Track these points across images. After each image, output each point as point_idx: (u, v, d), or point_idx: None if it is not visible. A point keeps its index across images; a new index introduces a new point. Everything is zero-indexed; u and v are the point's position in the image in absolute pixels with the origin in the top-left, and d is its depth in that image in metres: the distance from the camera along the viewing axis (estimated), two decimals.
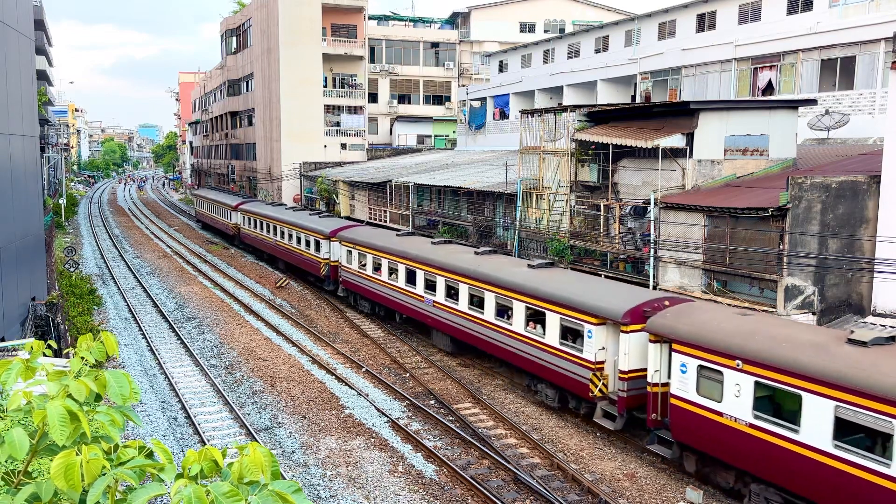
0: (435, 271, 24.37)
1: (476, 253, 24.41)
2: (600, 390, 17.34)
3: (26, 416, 2.94)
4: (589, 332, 17.56)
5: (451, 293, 23.62)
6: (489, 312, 21.49)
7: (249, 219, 44.81)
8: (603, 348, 17.35)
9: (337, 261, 32.38)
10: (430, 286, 24.72)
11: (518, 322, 20.10)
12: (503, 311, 20.98)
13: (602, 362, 17.39)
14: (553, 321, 18.73)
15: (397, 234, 29.49)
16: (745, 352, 13.63)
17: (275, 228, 39.58)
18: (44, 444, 2.91)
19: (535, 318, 19.65)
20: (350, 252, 30.49)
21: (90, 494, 2.58)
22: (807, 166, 22.94)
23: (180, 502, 2.52)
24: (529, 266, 21.59)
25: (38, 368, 2.96)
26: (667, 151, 23.01)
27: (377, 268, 28.44)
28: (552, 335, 18.74)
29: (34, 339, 3.15)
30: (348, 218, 44.04)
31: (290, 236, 37.32)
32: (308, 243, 34.89)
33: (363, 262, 29.46)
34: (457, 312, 23.12)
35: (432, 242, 26.92)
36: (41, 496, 2.71)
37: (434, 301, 24.46)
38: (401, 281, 26.48)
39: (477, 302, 22.16)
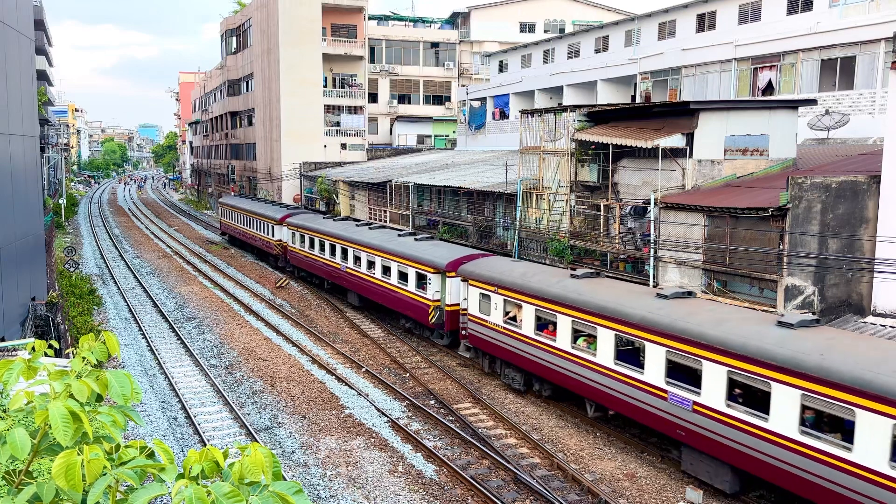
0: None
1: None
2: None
3: (28, 415, 2.94)
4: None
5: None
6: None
7: (302, 236, 36.31)
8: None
9: (456, 304, 24.17)
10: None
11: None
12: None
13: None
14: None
15: (572, 275, 19.93)
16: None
17: (344, 252, 31.37)
18: (45, 444, 2.91)
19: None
20: (487, 297, 21.77)
21: (91, 494, 2.58)
22: (807, 166, 22.93)
23: (181, 503, 2.52)
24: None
25: (40, 368, 2.97)
26: (667, 151, 23.01)
27: (544, 325, 19.60)
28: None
29: (36, 339, 3.15)
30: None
31: (372, 265, 28.98)
32: (405, 277, 26.37)
33: (512, 312, 20.83)
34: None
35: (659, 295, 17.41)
36: (42, 497, 2.72)
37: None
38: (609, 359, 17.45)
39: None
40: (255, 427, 18.77)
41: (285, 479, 2.82)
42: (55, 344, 3.38)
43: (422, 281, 25.42)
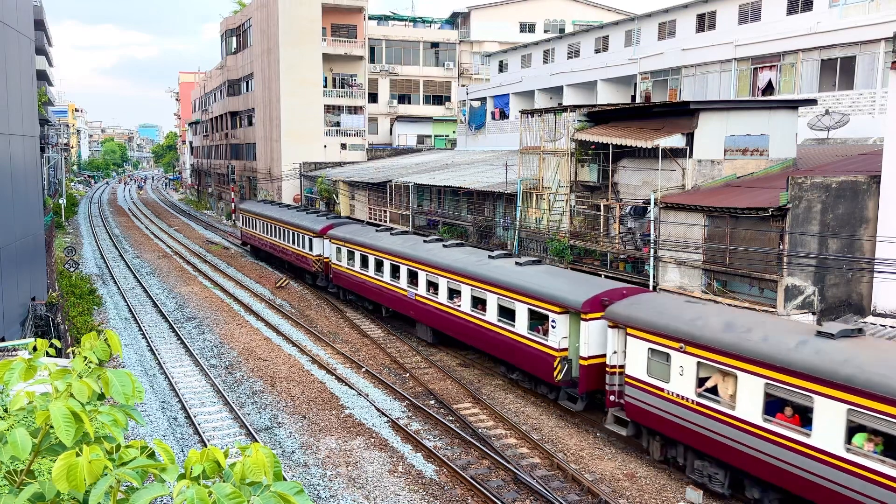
0: None
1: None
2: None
3: (29, 415, 2.94)
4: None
5: None
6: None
7: (351, 253, 30.85)
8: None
9: (598, 357, 18.09)
10: None
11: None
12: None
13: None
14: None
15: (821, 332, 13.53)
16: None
17: (412, 274, 26.00)
18: (46, 444, 2.91)
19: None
20: (663, 355, 15.58)
21: (92, 495, 2.58)
22: (807, 166, 22.93)
23: (183, 503, 2.52)
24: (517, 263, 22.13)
25: (41, 368, 2.97)
26: (667, 151, 23.01)
27: (776, 405, 13.62)
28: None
29: (38, 339, 3.15)
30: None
31: (456, 294, 23.47)
32: (509, 314, 20.62)
33: (713, 381, 14.77)
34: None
35: None
36: (45, 495, 2.72)
37: None
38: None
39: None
40: (255, 427, 18.77)
41: (286, 480, 2.82)
42: (58, 343, 3.38)
43: (539, 322, 19.67)
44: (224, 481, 2.71)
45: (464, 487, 15.57)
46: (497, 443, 17.73)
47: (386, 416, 19.43)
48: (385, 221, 41.32)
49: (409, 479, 15.97)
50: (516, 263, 22.06)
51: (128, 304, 32.60)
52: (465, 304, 22.82)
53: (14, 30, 22.08)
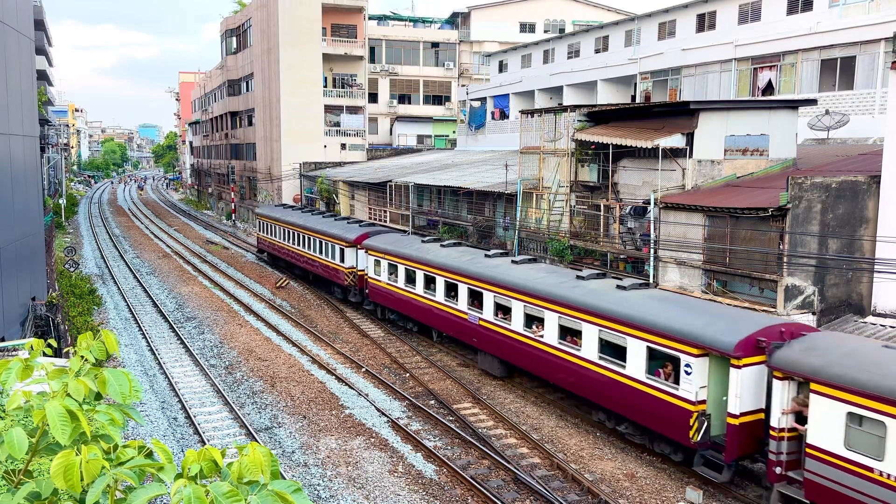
0: None
1: None
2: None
3: (26, 414, 2.94)
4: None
5: None
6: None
7: (393, 267, 27.33)
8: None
9: (757, 411, 14.36)
10: None
11: None
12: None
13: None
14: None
15: None
16: None
17: (474, 295, 22.59)
18: (44, 443, 2.91)
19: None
20: (882, 426, 11.76)
21: (89, 494, 2.58)
22: (807, 166, 22.93)
23: (180, 502, 2.52)
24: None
25: (38, 367, 2.96)
26: (667, 151, 23.00)
27: None
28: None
29: (34, 339, 3.15)
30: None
31: (537, 321, 19.79)
32: (613, 349, 17.12)
33: None
34: None
35: None
36: (41, 493, 2.71)
37: None
38: None
39: None
40: (255, 427, 18.77)
41: (284, 479, 2.81)
42: (54, 343, 3.38)
43: (660, 364, 15.97)
44: (221, 480, 2.70)
45: (464, 487, 15.57)
46: (497, 443, 17.72)
47: (386, 416, 19.43)
48: (385, 221, 41.31)
49: (409, 479, 15.97)
50: (618, 287, 18.28)
51: (128, 304, 32.60)
52: (549, 333, 19.14)
53: (14, 30, 22.08)
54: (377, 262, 28.50)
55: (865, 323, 18.30)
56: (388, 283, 27.77)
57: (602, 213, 25.57)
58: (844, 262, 19.51)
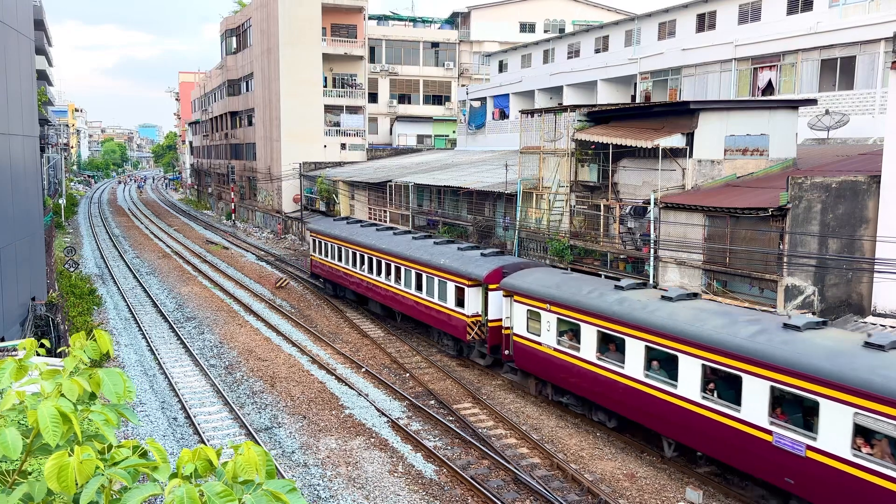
0: None
1: None
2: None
3: (20, 415, 2.92)
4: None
5: None
6: None
7: (574, 331, 18.46)
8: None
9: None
10: None
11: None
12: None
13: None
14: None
15: None
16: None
17: (729, 382, 14.56)
18: (38, 443, 2.90)
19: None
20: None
21: (83, 495, 2.57)
22: (807, 166, 22.91)
23: (173, 502, 2.50)
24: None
25: (31, 368, 2.95)
26: (667, 151, 22.99)
27: None
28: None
29: (27, 339, 3.13)
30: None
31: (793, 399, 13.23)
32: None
33: None
34: None
35: None
36: (34, 496, 2.70)
37: None
38: None
39: None
40: (255, 427, 18.76)
41: (279, 478, 2.80)
42: (47, 343, 3.36)
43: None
44: (216, 480, 2.69)
45: (464, 487, 15.55)
46: (497, 443, 17.71)
47: (386, 416, 19.42)
48: (385, 221, 41.30)
49: (409, 479, 15.96)
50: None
51: (128, 304, 32.59)
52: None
53: (14, 30, 22.08)
54: (531, 315, 20.04)
55: (865, 323, 18.27)
56: (557, 351, 19.02)
57: (602, 213, 25.56)
58: (844, 262, 19.50)
